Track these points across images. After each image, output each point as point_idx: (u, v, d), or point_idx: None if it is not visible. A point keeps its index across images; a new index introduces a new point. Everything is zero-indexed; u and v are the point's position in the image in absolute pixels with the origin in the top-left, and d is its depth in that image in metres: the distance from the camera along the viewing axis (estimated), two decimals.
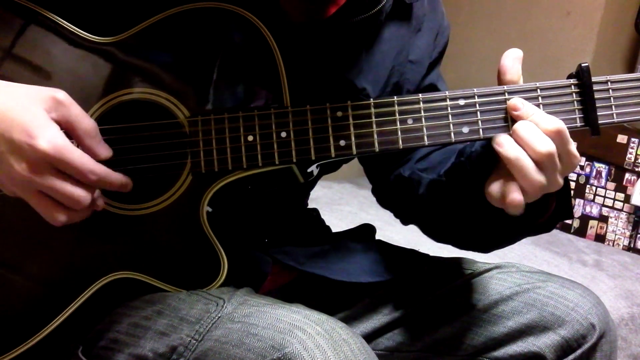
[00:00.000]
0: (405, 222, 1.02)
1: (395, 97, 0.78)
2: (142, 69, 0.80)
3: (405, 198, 0.96)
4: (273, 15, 0.80)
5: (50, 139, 0.68)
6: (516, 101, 0.75)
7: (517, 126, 0.73)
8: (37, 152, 0.68)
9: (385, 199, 1.03)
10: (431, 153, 0.96)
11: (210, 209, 0.80)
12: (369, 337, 0.93)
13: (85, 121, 0.73)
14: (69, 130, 0.72)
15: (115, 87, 0.79)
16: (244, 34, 0.79)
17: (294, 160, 0.79)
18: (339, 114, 0.78)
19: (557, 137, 0.72)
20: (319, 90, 0.83)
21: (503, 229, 0.83)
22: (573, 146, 0.73)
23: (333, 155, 0.78)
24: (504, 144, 0.73)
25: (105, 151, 0.75)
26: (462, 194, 0.83)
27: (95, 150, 0.73)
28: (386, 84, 0.92)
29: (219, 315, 0.74)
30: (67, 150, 0.69)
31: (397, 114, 0.78)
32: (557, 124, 0.72)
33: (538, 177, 0.71)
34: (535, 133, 0.72)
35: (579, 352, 0.83)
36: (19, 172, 0.68)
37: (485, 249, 0.90)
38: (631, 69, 2.37)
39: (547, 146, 0.71)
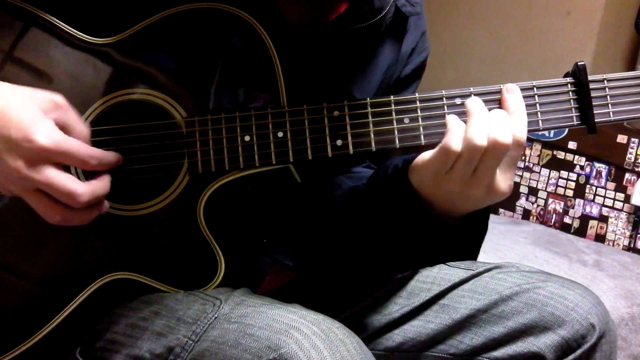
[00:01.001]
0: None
1: (392, 96, 0.79)
2: (139, 69, 0.80)
3: (317, 197, 0.96)
4: (271, 18, 0.80)
5: (47, 134, 0.68)
6: (513, 87, 0.77)
7: (478, 112, 0.75)
8: (35, 147, 0.68)
9: None
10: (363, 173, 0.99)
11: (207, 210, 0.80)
12: (369, 337, 0.92)
13: (80, 127, 0.73)
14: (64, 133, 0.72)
15: (112, 88, 0.79)
16: (241, 35, 0.79)
17: (291, 160, 0.79)
18: (336, 113, 0.78)
19: (492, 147, 0.73)
20: (315, 92, 0.83)
21: (409, 245, 0.85)
22: (502, 171, 0.76)
23: (330, 154, 0.78)
24: (452, 119, 0.76)
25: (93, 160, 0.74)
26: (378, 201, 0.85)
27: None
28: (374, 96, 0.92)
29: (216, 315, 0.74)
30: (65, 141, 0.70)
31: (393, 114, 0.78)
32: (505, 137, 0.73)
33: (450, 158, 0.74)
34: (483, 125, 0.73)
35: (578, 352, 0.82)
36: (16, 169, 0.69)
37: (384, 270, 0.93)
38: (631, 69, 2.36)
39: (481, 141, 0.72)
